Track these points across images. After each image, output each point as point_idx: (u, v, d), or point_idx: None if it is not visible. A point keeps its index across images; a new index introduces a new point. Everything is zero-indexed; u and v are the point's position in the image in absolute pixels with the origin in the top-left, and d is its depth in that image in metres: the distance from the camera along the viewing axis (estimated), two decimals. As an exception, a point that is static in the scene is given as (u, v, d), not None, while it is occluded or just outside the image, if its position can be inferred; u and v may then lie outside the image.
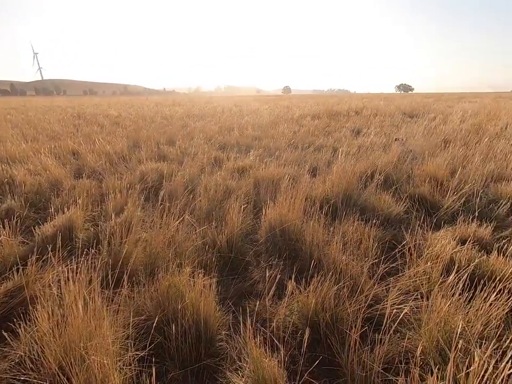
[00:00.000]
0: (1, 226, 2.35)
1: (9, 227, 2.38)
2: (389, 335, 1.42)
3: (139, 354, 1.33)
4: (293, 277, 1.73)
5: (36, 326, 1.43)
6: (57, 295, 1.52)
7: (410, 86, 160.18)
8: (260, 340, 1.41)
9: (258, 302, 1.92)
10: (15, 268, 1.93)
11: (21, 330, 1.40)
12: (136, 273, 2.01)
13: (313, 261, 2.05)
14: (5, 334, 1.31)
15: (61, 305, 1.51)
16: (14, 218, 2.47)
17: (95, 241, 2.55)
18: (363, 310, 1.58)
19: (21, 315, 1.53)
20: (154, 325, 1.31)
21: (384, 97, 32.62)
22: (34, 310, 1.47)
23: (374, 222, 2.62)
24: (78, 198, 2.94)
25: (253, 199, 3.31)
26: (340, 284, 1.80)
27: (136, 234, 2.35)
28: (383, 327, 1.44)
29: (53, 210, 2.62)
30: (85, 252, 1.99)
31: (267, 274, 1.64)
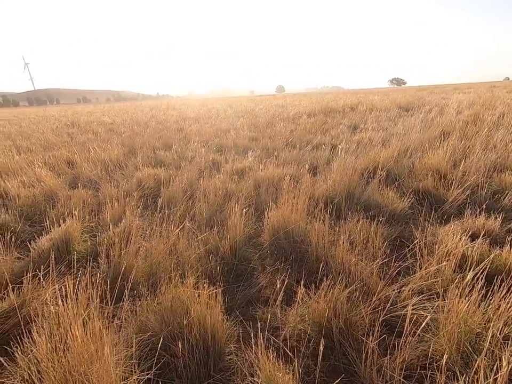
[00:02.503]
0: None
1: (3, 243, 2.29)
2: (407, 339, 1.35)
3: (145, 376, 1.25)
4: (302, 282, 1.65)
5: (33, 350, 1.35)
6: (56, 314, 1.44)
7: (403, 80, 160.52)
8: (271, 351, 1.34)
9: (266, 310, 1.86)
10: (11, 286, 1.84)
11: (18, 354, 1.32)
12: (137, 286, 1.93)
13: (320, 263, 1.97)
14: (1, 359, 1.22)
15: (60, 325, 1.42)
16: (8, 233, 2.39)
17: (93, 253, 2.47)
18: (378, 314, 1.51)
19: (18, 337, 1.44)
20: (160, 343, 1.22)
21: (378, 91, 32.64)
22: (32, 331, 1.38)
23: (379, 219, 2.55)
24: (74, 209, 2.85)
25: (254, 201, 3.24)
26: (351, 287, 1.73)
27: (136, 244, 2.27)
28: (402, 330, 1.37)
29: (48, 223, 2.53)
30: (83, 266, 1.90)
31: (275, 280, 1.56)
